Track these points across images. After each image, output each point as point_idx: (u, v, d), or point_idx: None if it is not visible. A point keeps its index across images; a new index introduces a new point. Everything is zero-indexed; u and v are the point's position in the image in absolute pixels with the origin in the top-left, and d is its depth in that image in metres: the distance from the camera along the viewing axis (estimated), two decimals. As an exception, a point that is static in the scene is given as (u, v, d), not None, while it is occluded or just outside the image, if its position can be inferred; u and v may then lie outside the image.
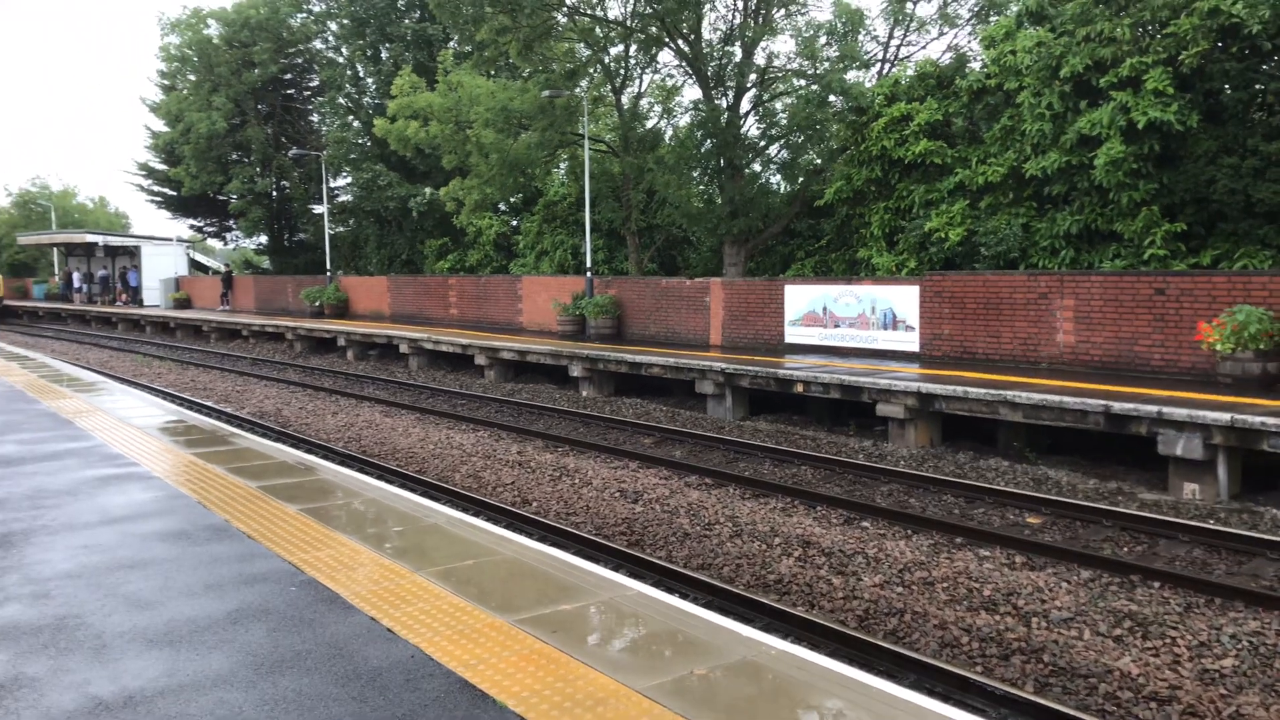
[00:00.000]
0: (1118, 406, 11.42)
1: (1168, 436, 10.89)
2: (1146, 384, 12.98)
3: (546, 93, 23.60)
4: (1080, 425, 11.92)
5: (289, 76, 45.69)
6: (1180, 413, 10.78)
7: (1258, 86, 15.62)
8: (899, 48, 24.27)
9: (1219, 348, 12.53)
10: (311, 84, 46.26)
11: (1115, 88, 16.00)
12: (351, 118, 40.40)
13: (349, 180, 42.76)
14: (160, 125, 47.83)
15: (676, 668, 4.40)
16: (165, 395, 20.21)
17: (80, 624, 5.16)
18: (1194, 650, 6.82)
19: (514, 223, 34.95)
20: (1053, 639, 7.09)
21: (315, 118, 46.07)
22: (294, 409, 18.84)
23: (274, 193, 45.36)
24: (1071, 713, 5.88)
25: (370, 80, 40.34)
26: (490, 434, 15.67)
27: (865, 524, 10.15)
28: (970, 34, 23.06)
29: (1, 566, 6.19)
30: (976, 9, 22.74)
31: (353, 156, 38.75)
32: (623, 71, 26.75)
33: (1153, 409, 11.05)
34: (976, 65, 21.21)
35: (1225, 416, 10.43)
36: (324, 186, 38.59)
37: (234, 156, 44.90)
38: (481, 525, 7.20)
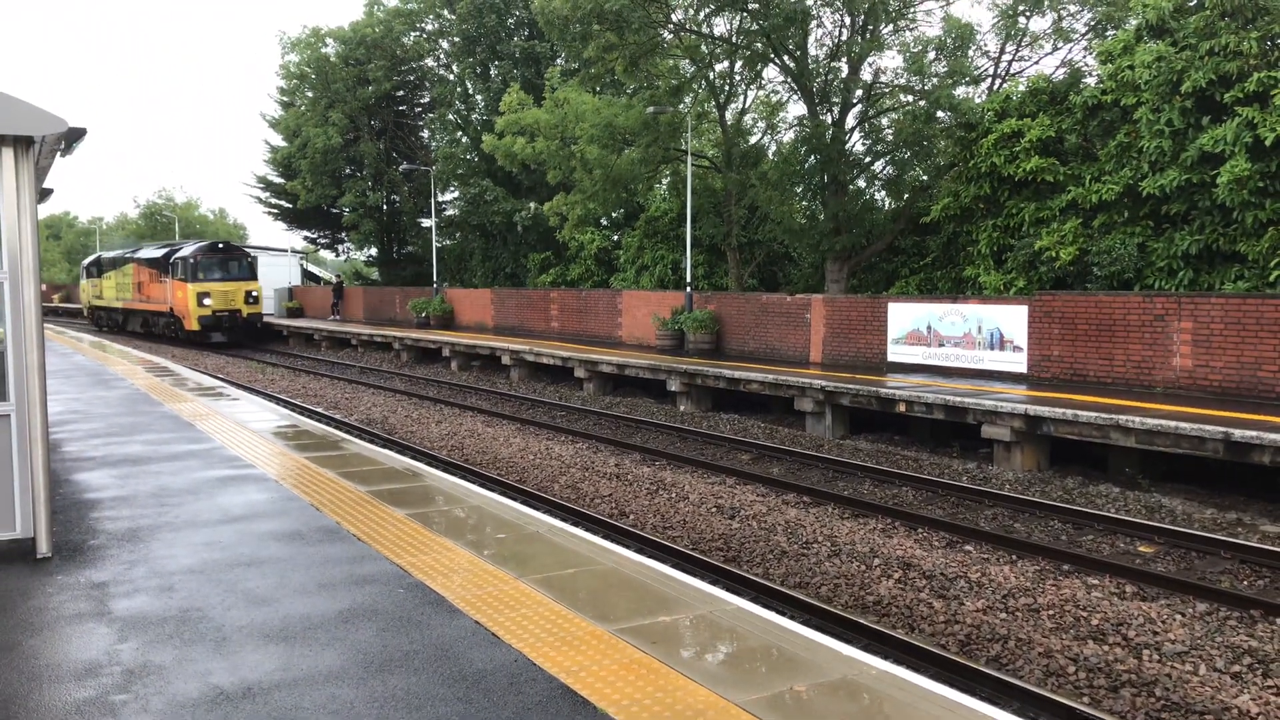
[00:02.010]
0: (1239, 434, 10.97)
1: (1293, 467, 10.42)
2: (1270, 411, 12.43)
3: (651, 109, 23.80)
4: (1198, 452, 11.48)
5: (401, 93, 47.02)
6: (1307, 442, 10.31)
7: (1397, 101, 14.87)
8: (1010, 63, 23.79)
9: (1350, 375, 11.95)
10: (422, 100, 47.53)
11: (1241, 103, 15.41)
12: (460, 133, 41.36)
13: (456, 194, 43.80)
14: (278, 140, 49.72)
15: (775, 683, 4.41)
16: (279, 401, 20.96)
17: (202, 617, 5.42)
18: (1319, 691, 6.52)
19: (615, 238, 35.28)
20: (1165, 672, 6.85)
21: (425, 133, 47.30)
22: (400, 416, 19.35)
23: (384, 206, 46.68)
24: (1184, 750, 5.68)
25: (479, 97, 41.26)
26: (589, 446, 15.84)
27: (968, 548, 9.95)
28: (1085, 49, 22.47)
29: (130, 559, 6.53)
30: (1093, 23, 22.15)
31: (460, 171, 39.67)
32: (727, 88, 26.81)
33: (1277, 438, 10.58)
34: (1091, 80, 20.66)
35: (1356, 447, 9.94)
36: (432, 200, 39.59)
37: (347, 171, 46.38)
38: (581, 535, 7.30)
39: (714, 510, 11.52)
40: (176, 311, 38.46)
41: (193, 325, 37.13)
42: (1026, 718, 6.10)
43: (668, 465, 14.22)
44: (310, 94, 45.49)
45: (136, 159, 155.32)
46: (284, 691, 4.40)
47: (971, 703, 4.32)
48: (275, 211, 52.52)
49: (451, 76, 42.76)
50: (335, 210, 47.37)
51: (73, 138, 6.55)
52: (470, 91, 41.83)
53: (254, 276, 39.27)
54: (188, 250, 38.56)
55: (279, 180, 50.28)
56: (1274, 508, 11.07)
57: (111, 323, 48.90)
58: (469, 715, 4.12)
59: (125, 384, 17.73)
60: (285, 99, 48.92)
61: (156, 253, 41.75)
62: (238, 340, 38.13)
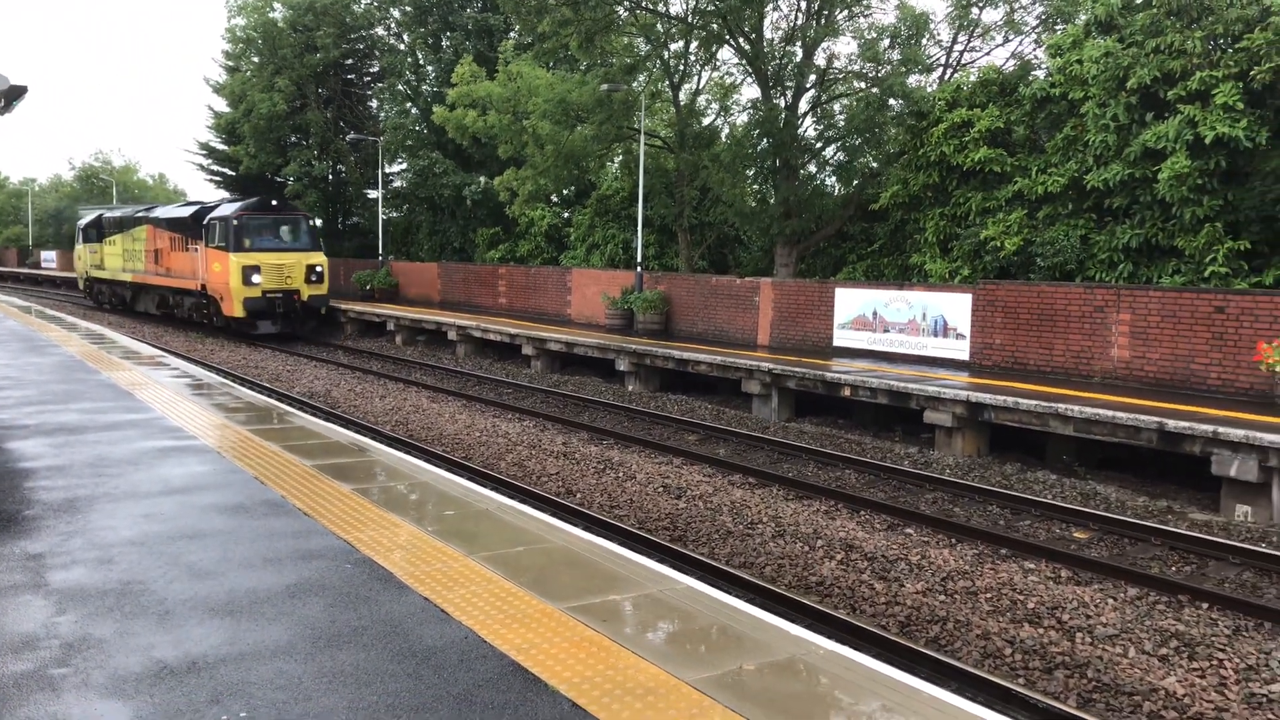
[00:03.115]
0: (1172, 424, 11.27)
1: (1222, 457, 10.74)
2: (1202, 403, 12.80)
3: (605, 86, 23.68)
4: (1132, 442, 11.78)
5: (350, 62, 46.17)
6: (1236, 433, 10.62)
7: (1331, 105, 15.31)
8: (962, 53, 24.04)
9: (1279, 369, 12.32)
10: (372, 70, 46.74)
11: (1183, 101, 15.76)
12: (410, 105, 40.76)
13: (404, 166, 43.19)
14: (222, 105, 48.61)
15: (725, 662, 4.46)
16: (220, 372, 20.60)
17: (144, 590, 5.33)
18: (1241, 673, 6.75)
19: (566, 215, 35.10)
20: (1097, 655, 7.05)
21: (374, 103, 46.53)
22: (343, 390, 19.13)
23: (330, 176, 45.90)
24: (1115, 730, 5.85)
25: (430, 68, 40.67)
26: (535, 424, 15.81)
27: (909, 530, 10.12)
28: (1035, 42, 22.79)
29: (67, 530, 6.39)
30: (1043, 17, 22.46)
31: (409, 143, 39.12)
32: (681, 68, 26.75)
33: (1208, 428, 10.90)
34: (1041, 74, 20.96)
35: (1283, 439, 10.26)
36: (380, 171, 39.01)
37: (293, 139, 45.50)
38: (531, 513, 7.30)
39: (661, 490, 11.58)
40: (212, 290, 28.47)
41: (235, 310, 27.26)
42: (964, 698, 6.24)
43: (615, 444, 14.25)
44: (256, 59, 44.49)
45: (71, 119, 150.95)
46: (230, 666, 4.34)
47: (916, 682, 4.41)
48: (218, 179, 51.39)
49: (402, 46, 42.08)
50: (280, 179, 46.48)
51: (13, 95, 6.36)
52: (421, 62, 41.23)
53: (318, 246, 29.19)
54: (229, 208, 28.49)
55: (222, 146, 49.20)
56: (1203, 496, 11.41)
57: (115, 299, 39.23)
58: (419, 692, 4.11)
59: (60, 351, 17.29)
60: (230, 63, 47.82)
61: (182, 211, 32.21)
62: (293, 331, 28.53)
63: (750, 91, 40.29)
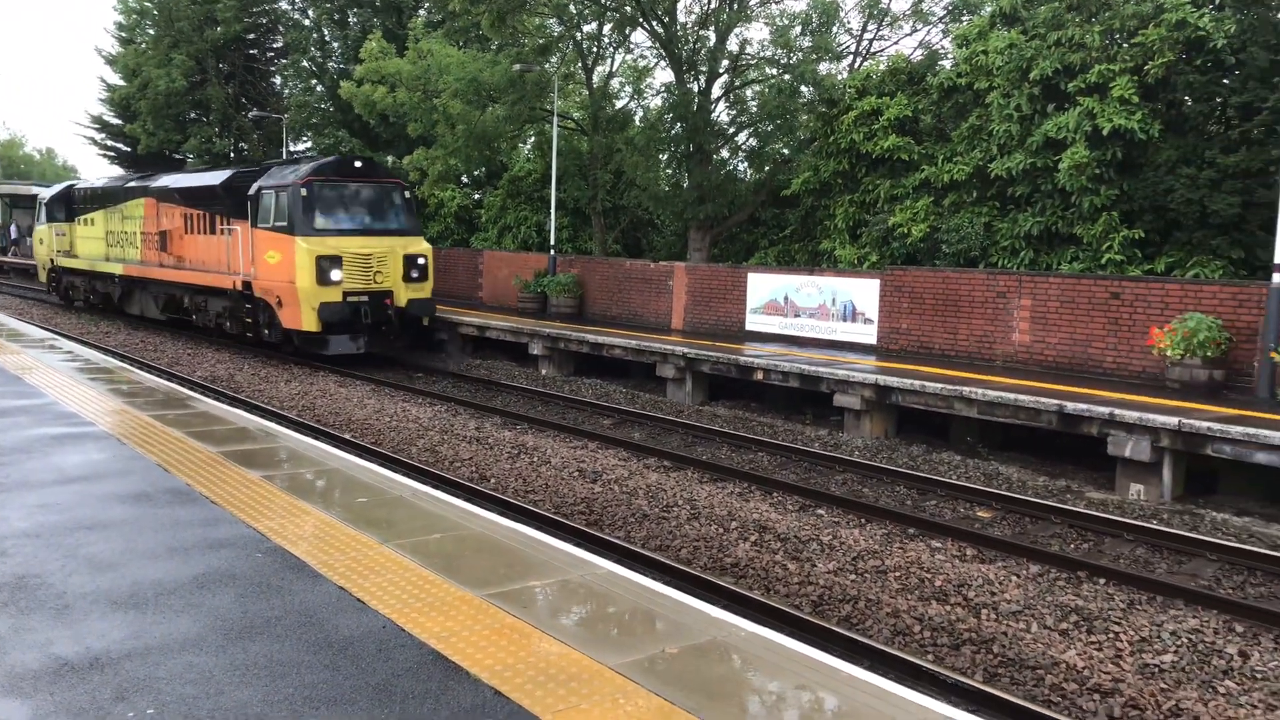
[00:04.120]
0: (1070, 407, 11.66)
1: (1117, 438, 11.15)
2: (1098, 385, 13.27)
3: (517, 66, 23.43)
4: (1033, 423, 12.16)
5: (252, 36, 44.82)
6: (1131, 415, 11.04)
7: (1218, 100, 15.95)
8: (871, 41, 24.42)
9: (1169, 353, 12.84)
10: (275, 45, 45.45)
11: (1082, 93, 16.25)
12: (315, 82, 39.75)
13: (309, 145, 42.17)
14: (116, 79, 46.73)
15: (647, 646, 4.48)
16: (116, 355, 19.86)
17: (41, 584, 5.11)
18: (1136, 645, 7.03)
19: (477, 196, 34.68)
20: (1002, 630, 7.27)
21: (278, 80, 45.30)
22: (246, 375, 18.62)
23: (232, 154, 44.55)
24: (1019, 702, 6.04)
25: (336, 44, 39.70)
26: (447, 408, 15.62)
27: (820, 511, 10.29)
28: (943, 32, 23.26)
29: (-43, 522, 6.09)
30: (950, 7, 22.93)
31: (315, 121, 38.18)
32: (595, 50, 26.62)
33: (1104, 410, 11.31)
34: (948, 63, 21.40)
35: (1173, 420, 10.70)
36: (284, 150, 37.98)
37: (192, 115, 44.02)
38: (446, 499, 7.21)
39: (576, 474, 11.55)
40: (264, 290, 19.46)
41: (303, 320, 18.48)
42: (877, 674, 6.38)
43: (530, 429, 14.16)
44: (152, 31, 42.88)
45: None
46: (136, 661, 4.19)
47: (835, 662, 4.49)
48: (112, 155, 49.44)
49: (307, 21, 40.98)
50: (179, 156, 44.95)
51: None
52: (327, 38, 40.22)
53: (418, 227, 20.82)
54: (292, 171, 19.62)
55: (116, 122, 47.36)
56: (1099, 476, 11.83)
57: (94, 297, 29.74)
58: (337, 683, 4.03)
59: (-57, 333, 16.46)
60: (124, 35, 45.98)
61: (207, 178, 22.96)
62: (388, 352, 20.33)
63: (664, 75, 40.31)
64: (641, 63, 28.68)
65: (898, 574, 8.42)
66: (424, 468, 11.47)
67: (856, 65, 24.13)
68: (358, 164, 19.86)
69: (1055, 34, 16.85)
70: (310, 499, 6.93)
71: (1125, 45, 16.34)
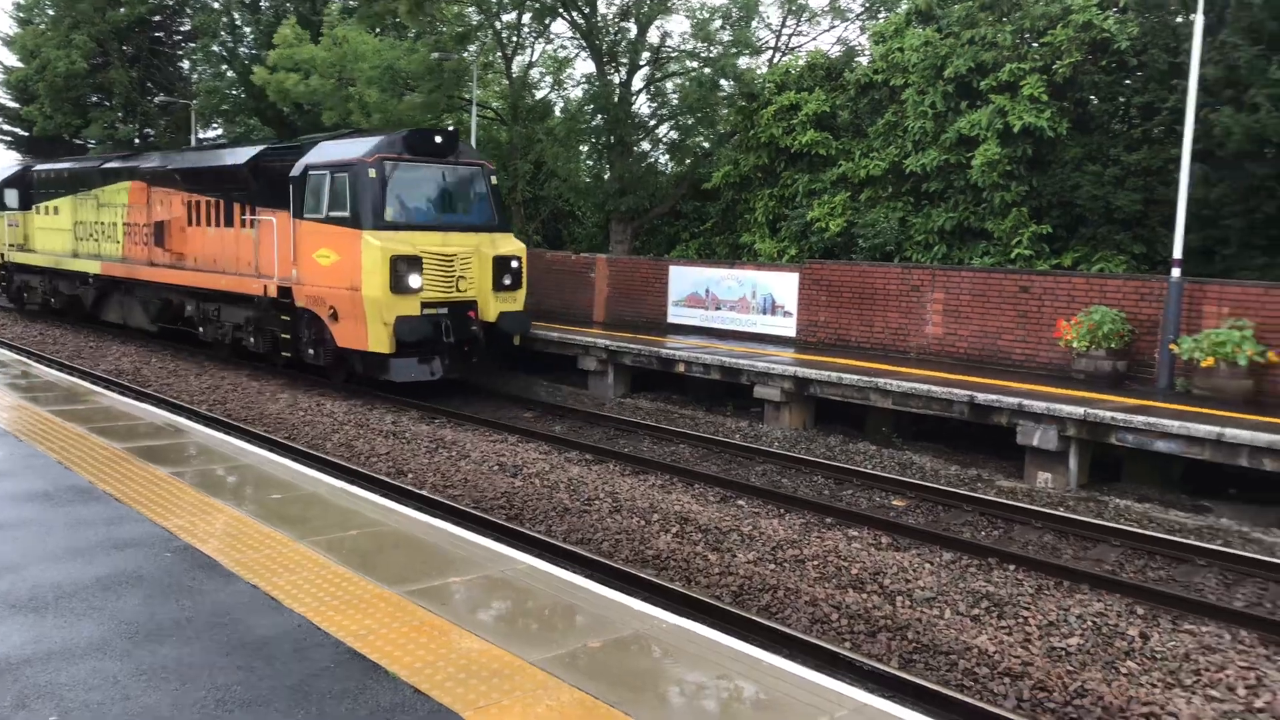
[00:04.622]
0: (981, 397, 11.95)
1: (1026, 428, 11.47)
2: (1008, 377, 13.63)
3: (435, 55, 23.14)
4: (946, 414, 12.44)
5: (158, 19, 43.40)
6: (1039, 405, 11.36)
7: (1122, 99, 16.50)
8: (790, 37, 24.70)
9: (1075, 345, 13.24)
10: (183, 28, 44.08)
11: (994, 91, 16.65)
12: (226, 67, 38.69)
13: (220, 132, 41.04)
14: (13, 60, 44.87)
15: (569, 640, 4.46)
16: (12, 348, 19.10)
17: (-66, 587, 4.89)
18: (1044, 629, 7.24)
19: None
20: (916, 617, 7.42)
21: (186, 64, 43.96)
22: (154, 368, 18.07)
23: (137, 140, 43.11)
24: (933, 687, 6.18)
25: (248, 29, 38.66)
26: (363, 402, 15.35)
27: (740, 502, 10.38)
28: (860, 29, 23.60)
29: None
30: (867, 4, 23.28)
31: (225, 107, 37.17)
32: (515, 39, 26.39)
33: (1014, 401, 11.61)
34: (865, 60, 21.72)
35: (1079, 411, 11.04)
36: (193, 136, 36.90)
37: (94, 99, 42.45)
38: (363, 495, 7.09)
39: (496, 468, 11.47)
40: (313, 299, 15.32)
41: (372, 339, 14.45)
42: (796, 663, 6.46)
43: (448, 423, 14.01)
44: (52, 12, 41.23)
45: None
46: (36, 666, 4.04)
47: (757, 652, 4.53)
48: (8, 139, 47.41)
49: (217, 4, 39.82)
50: (80, 141, 43.33)
51: None
52: (238, 22, 39.15)
53: (507, 224, 16.70)
54: (353, 147, 15.20)
55: (12, 104, 45.44)
56: (1008, 464, 12.16)
57: (57, 301, 24.92)
58: (252, 685, 3.93)
59: None
60: (22, 14, 44.14)
61: (227, 155, 18.40)
62: (467, 377, 16.21)
63: (585, 66, 40.18)
64: (562, 53, 28.58)
65: (816, 563, 8.54)
66: (340, 463, 11.27)
67: (776, 60, 24.36)
68: (438, 138, 15.29)
69: (969, 33, 17.23)
70: (222, 496, 6.75)
71: (1035, 45, 16.79)
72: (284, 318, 16.11)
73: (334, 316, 14.88)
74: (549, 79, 29.12)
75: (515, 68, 26.91)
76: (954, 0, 18.33)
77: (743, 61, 22.45)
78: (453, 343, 14.93)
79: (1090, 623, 7.31)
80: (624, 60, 23.48)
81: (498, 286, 15.41)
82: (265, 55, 29.44)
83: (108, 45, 40.65)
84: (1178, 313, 12.56)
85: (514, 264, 15.52)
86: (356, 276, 14.28)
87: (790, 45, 24.69)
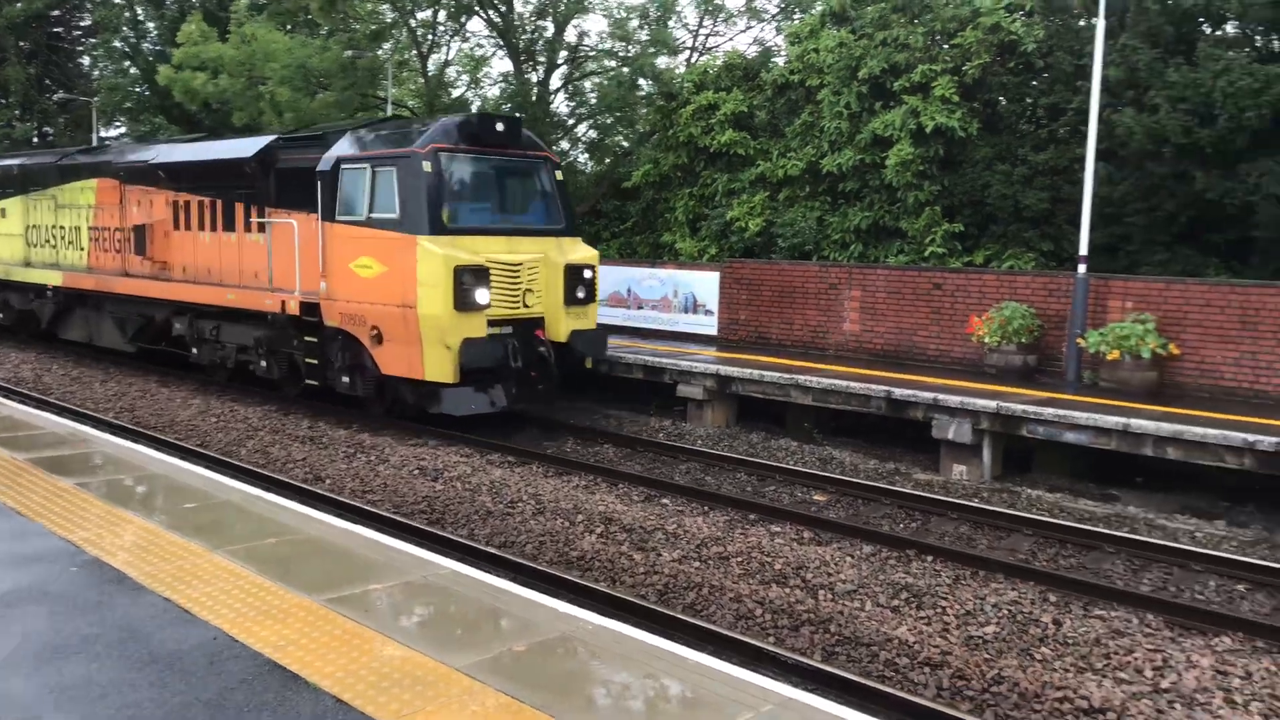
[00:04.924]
0: (898, 393, 12.18)
1: (941, 421, 11.72)
2: (923, 372, 13.91)
3: (349, 53, 22.77)
4: (864, 409, 12.65)
5: (57, 13, 41.88)
6: (953, 400, 11.62)
7: (1029, 100, 16.98)
8: (708, 37, 24.87)
9: (987, 340, 13.57)
10: (83, 23, 42.63)
11: (907, 92, 16.98)
12: (129, 64, 37.50)
13: (124, 130, 39.78)
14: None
15: (495, 645, 4.42)
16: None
17: None
18: (961, 618, 7.40)
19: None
20: (838, 610, 7.52)
21: (87, 61, 42.51)
22: (56, 375, 17.45)
23: (35, 139, 41.56)
24: (854, 678, 6.28)
25: (151, 24, 37.54)
26: (279, 408, 15.01)
27: (665, 501, 10.40)
28: (776, 29, 23.86)
29: None
30: (782, 5, 23.55)
31: (129, 105, 36.02)
32: (430, 37, 26.11)
33: (929, 396, 11.86)
34: (781, 60, 21.96)
35: (991, 404, 11.32)
36: (94, 135, 35.68)
37: (-12, 96, 40.87)
38: (280, 502, 6.94)
39: (416, 472, 11.32)
40: (350, 318, 12.96)
41: (431, 368, 12.12)
42: (721, 659, 6.50)
43: (366, 428, 13.76)
44: (-58, 4, 39.50)
45: None
46: (-67, 690, 3.85)
47: (683, 650, 4.54)
48: (-106, 137, 45.33)
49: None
50: (-25, 140, 41.64)
51: None
52: (141, 18, 37.99)
53: (574, 226, 14.22)
54: (400, 135, 13.02)
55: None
56: (924, 458, 12.40)
57: (4, 316, 22.34)
58: (164, 700, 3.80)
59: None
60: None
61: (221, 149, 16.00)
62: (536, 404, 13.75)
63: (502, 65, 39.91)
64: (479, 51, 28.34)
65: (740, 559, 8.60)
66: (255, 470, 11.01)
67: (693, 60, 24.49)
68: (500, 125, 13.04)
69: (882, 34, 17.55)
70: (131, 506, 6.53)
71: (946, 46, 17.17)
72: (308, 339, 13.67)
73: (377, 339, 12.50)
74: (466, 77, 28.87)
75: (431, 66, 26.63)
76: (868, 2, 18.64)
77: (661, 61, 22.55)
78: (519, 368, 12.64)
79: (1005, 611, 7.49)
80: (541, 59, 23.41)
81: (570, 300, 13.16)
82: (170, 52, 28.61)
83: (3, 41, 39.10)
84: (1084, 308, 12.97)
85: (587, 273, 13.40)
86: (410, 291, 11.96)
87: (707, 45, 24.88)
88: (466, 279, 11.87)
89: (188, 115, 33.75)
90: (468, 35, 27.72)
